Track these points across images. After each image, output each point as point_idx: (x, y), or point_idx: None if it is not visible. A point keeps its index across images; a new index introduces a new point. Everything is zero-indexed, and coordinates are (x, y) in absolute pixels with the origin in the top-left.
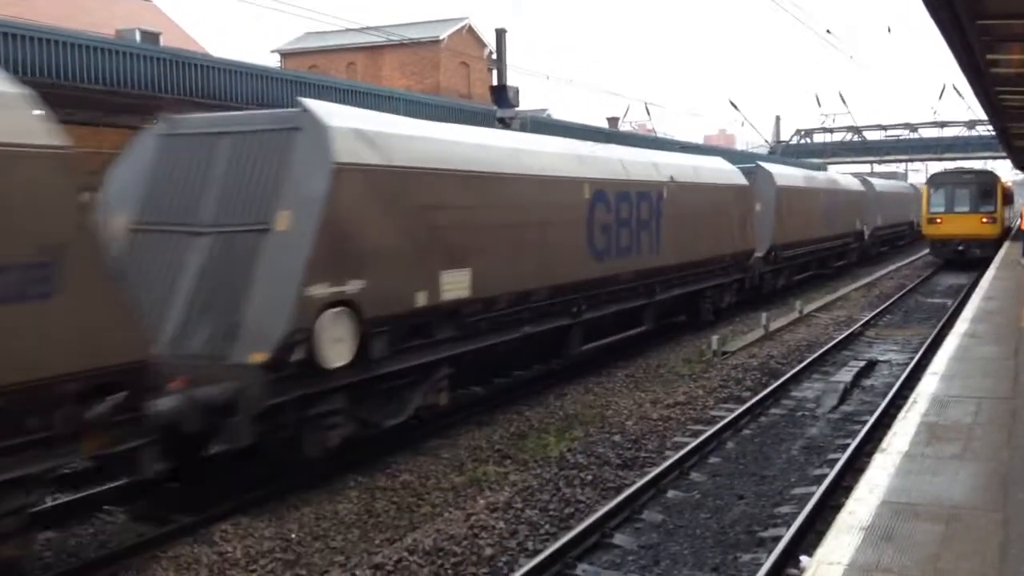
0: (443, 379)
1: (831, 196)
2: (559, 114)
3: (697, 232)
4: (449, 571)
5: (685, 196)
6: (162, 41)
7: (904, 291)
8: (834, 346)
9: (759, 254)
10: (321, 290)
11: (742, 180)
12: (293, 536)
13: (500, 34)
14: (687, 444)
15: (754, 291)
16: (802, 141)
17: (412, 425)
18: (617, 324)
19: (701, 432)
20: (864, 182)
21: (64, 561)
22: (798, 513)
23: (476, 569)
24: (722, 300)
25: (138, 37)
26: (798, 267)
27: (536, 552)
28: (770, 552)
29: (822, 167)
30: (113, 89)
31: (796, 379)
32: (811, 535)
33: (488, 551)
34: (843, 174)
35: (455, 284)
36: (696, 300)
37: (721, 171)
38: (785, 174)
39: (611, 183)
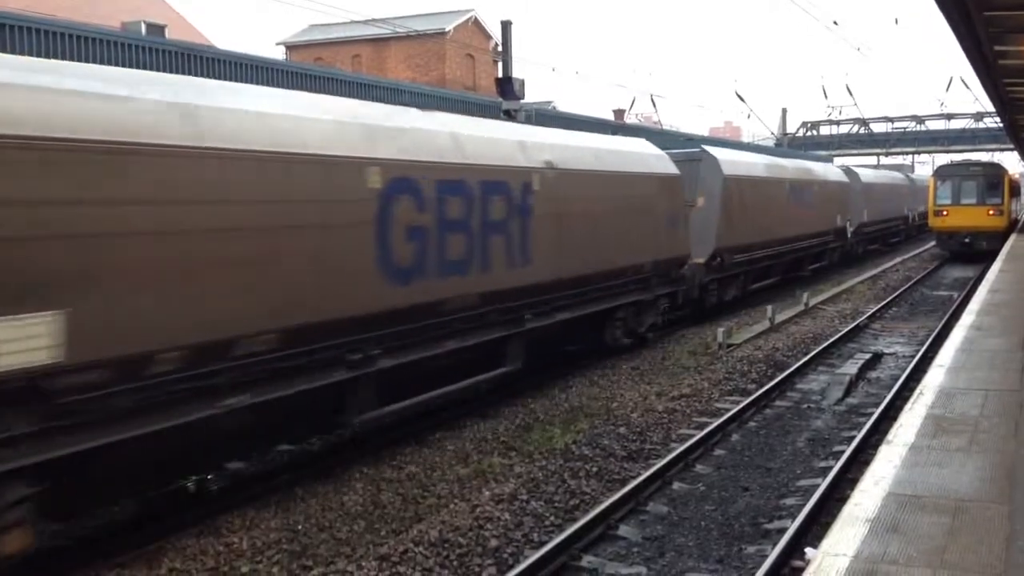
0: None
1: (802, 188)
2: (565, 106)
3: (596, 235)
4: (454, 562)
5: (573, 188)
6: (168, 34)
7: (910, 283)
8: (840, 338)
9: (699, 260)
10: None
11: (669, 168)
12: (299, 527)
13: (506, 26)
14: (692, 436)
15: (695, 306)
16: (808, 133)
17: (418, 417)
18: (459, 367)
19: (706, 424)
20: (848, 172)
21: (71, 551)
22: (803, 505)
23: (481, 560)
24: (642, 322)
25: (144, 30)
26: (757, 273)
27: (541, 544)
28: (775, 544)
29: (828, 159)
30: None
31: (802, 371)
32: (816, 527)
33: (493, 542)
34: (824, 163)
35: (16, 340)
36: (602, 324)
37: (638, 156)
38: (737, 161)
39: (426, 168)
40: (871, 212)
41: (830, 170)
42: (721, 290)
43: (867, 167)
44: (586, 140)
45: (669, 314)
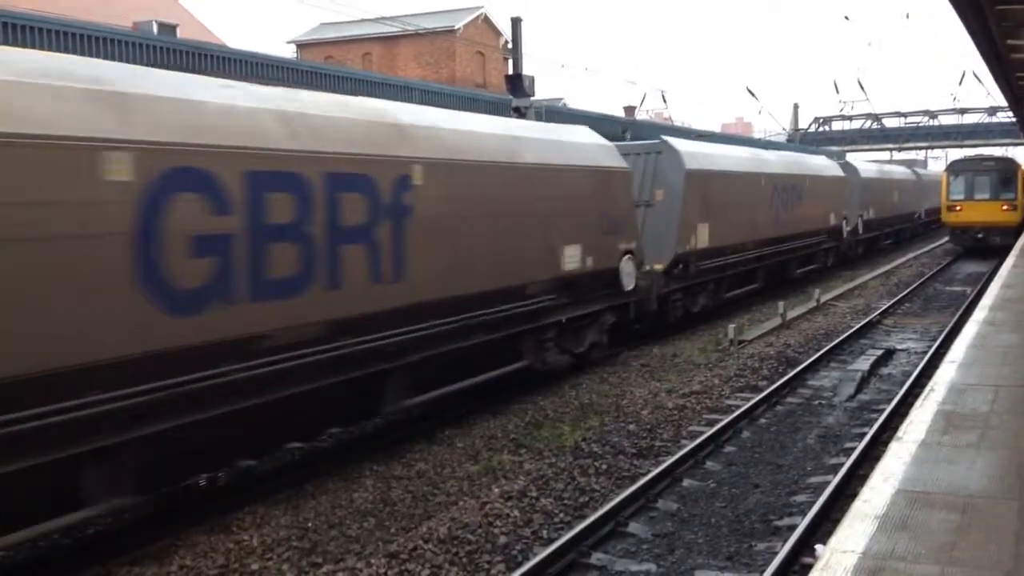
0: None
1: (789, 184)
2: (576, 103)
3: (508, 242)
4: (464, 559)
5: (476, 184)
6: (179, 33)
7: (923, 279)
8: (851, 335)
9: (657, 267)
10: None
11: (614, 160)
12: (309, 524)
13: (515, 23)
14: (702, 433)
15: (655, 320)
16: (820, 129)
17: (427, 415)
18: (297, 419)
19: (717, 421)
20: (845, 166)
21: (82, 548)
22: (814, 502)
23: (491, 557)
24: (580, 341)
25: (155, 29)
26: (732, 280)
27: (551, 540)
28: (785, 541)
29: (840, 155)
30: None
31: (813, 368)
32: (827, 524)
33: (503, 539)
34: (818, 157)
35: None
36: (526, 345)
37: (571, 146)
38: (704, 153)
39: (229, 156)
40: (874, 209)
41: (824, 164)
42: (687, 300)
43: (880, 162)
44: (495, 125)
45: (625, 329)
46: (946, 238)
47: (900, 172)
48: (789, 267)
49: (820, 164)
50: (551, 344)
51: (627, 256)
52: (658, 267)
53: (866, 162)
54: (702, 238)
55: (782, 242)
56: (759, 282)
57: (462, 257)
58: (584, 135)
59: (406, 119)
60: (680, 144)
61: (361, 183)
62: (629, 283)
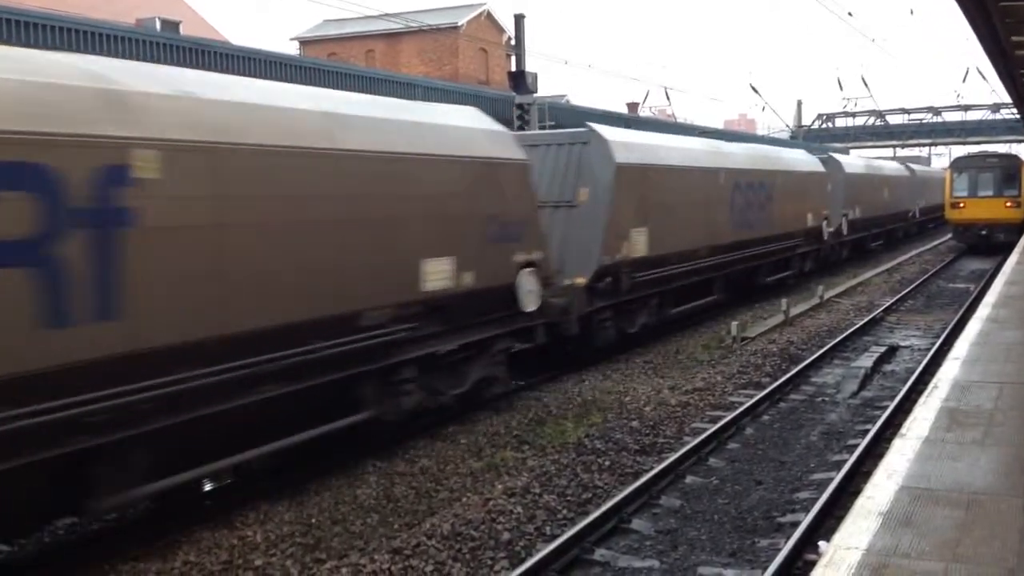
0: None
1: (754, 180)
2: (578, 100)
3: (328, 256)
4: (467, 555)
5: (256, 179)
6: (182, 30)
7: (926, 276)
8: (855, 332)
9: (578, 281)
10: None
11: (505, 149)
12: (313, 520)
13: (518, 20)
14: (705, 430)
15: (576, 345)
16: (824, 126)
17: (431, 411)
18: None
19: (720, 418)
20: (828, 161)
21: (86, 545)
22: (817, 499)
23: (494, 553)
24: (461, 379)
25: (158, 26)
26: (683, 292)
27: (554, 537)
28: (788, 537)
29: (844, 152)
30: None
31: (816, 365)
32: (830, 520)
33: (506, 536)
34: (794, 150)
35: None
36: (357, 396)
37: (434, 130)
38: (639, 144)
39: None
40: (861, 208)
41: (800, 158)
42: (620, 320)
43: (870, 157)
44: (302, 96)
45: (535, 359)
46: (948, 235)
47: (891, 167)
48: (758, 275)
49: (795, 158)
50: (411, 386)
51: (528, 270)
52: (579, 281)
53: (852, 156)
54: (638, 246)
55: (747, 247)
56: (717, 293)
57: (238, 281)
58: (464, 117)
59: (128, 82)
60: (611, 133)
61: (21, 176)
62: (531, 302)
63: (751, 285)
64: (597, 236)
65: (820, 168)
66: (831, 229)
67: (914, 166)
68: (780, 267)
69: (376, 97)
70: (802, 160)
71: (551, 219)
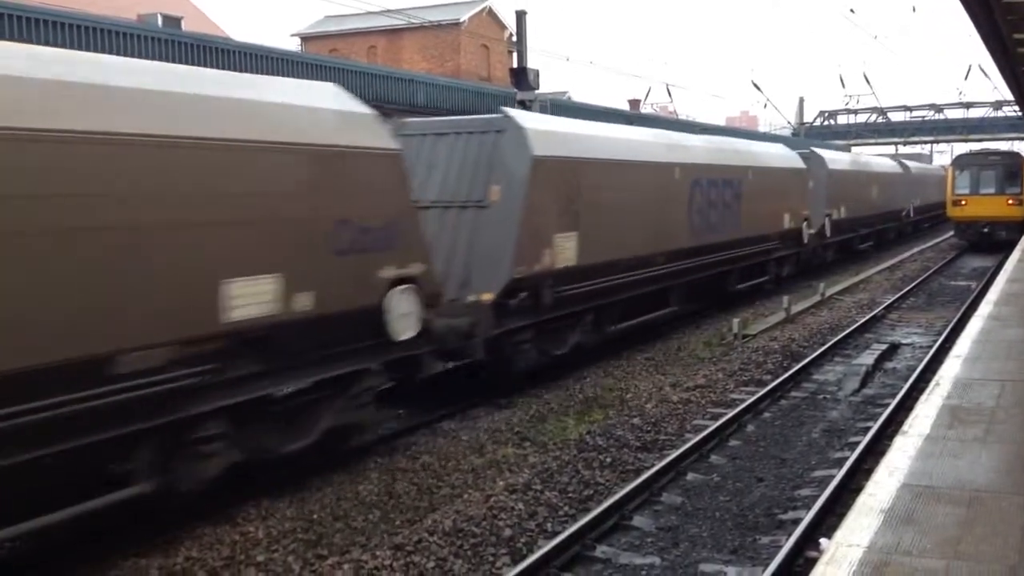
0: None
1: (717, 177)
2: (580, 96)
3: (32, 282)
4: (468, 552)
5: None
6: (184, 26)
7: (928, 274)
8: (856, 329)
9: (484, 297)
10: None
11: (365, 136)
12: (314, 517)
13: (520, 16)
14: (707, 427)
15: (489, 374)
16: (826, 123)
17: (433, 408)
18: None
19: (721, 415)
20: (809, 157)
21: (88, 540)
22: (818, 496)
23: (495, 550)
24: (305, 429)
25: (160, 22)
26: (627, 306)
27: (555, 533)
28: (789, 535)
29: (846, 149)
30: None
31: (817, 362)
32: (831, 518)
33: (507, 532)
34: (769, 143)
35: None
36: (157, 460)
37: (245, 107)
38: (564, 133)
39: None
40: (847, 207)
41: (776, 153)
42: (543, 341)
43: (885, 156)
44: (35, 60)
45: (424, 396)
46: (948, 233)
47: (881, 164)
48: (726, 282)
49: (771, 153)
50: (218, 445)
51: (403, 287)
52: (486, 298)
53: (837, 152)
54: (565, 254)
55: (711, 252)
56: (675, 304)
57: None
58: (311, 96)
59: None
60: (531, 120)
61: None
62: (407, 328)
63: (720, 293)
64: (509, 243)
65: (800, 164)
66: (812, 231)
67: (909, 162)
68: (754, 272)
69: (171, 66)
70: (779, 155)
71: (457, 222)
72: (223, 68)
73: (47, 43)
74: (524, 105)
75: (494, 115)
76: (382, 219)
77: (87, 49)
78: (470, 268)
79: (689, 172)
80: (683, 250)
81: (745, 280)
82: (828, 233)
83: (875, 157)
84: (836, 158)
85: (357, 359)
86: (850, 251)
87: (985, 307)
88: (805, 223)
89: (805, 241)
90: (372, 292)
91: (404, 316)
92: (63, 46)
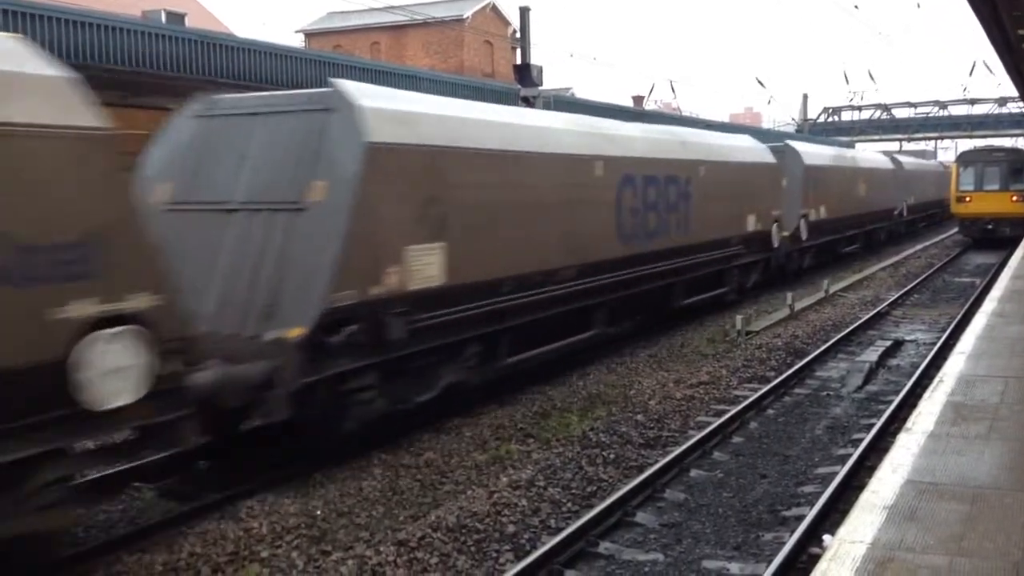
0: None
1: (658, 172)
2: (584, 93)
3: None
4: (472, 548)
5: None
6: (187, 22)
7: (932, 270)
8: (860, 326)
9: (289, 334)
10: None
11: (42, 108)
12: (318, 513)
13: (524, 12)
14: (710, 423)
15: (303, 441)
16: (830, 119)
17: (435, 404)
18: None
19: (724, 412)
20: (782, 151)
21: (93, 537)
22: (821, 492)
23: (499, 546)
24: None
25: (163, 18)
26: (531, 331)
27: (558, 530)
28: (793, 531)
29: (850, 145)
30: (139, 70)
31: (821, 359)
32: (835, 515)
33: (511, 528)
34: (733, 135)
35: None
36: None
37: None
38: (424, 115)
39: None
40: (827, 207)
41: (740, 145)
42: (392, 389)
43: (880, 152)
44: None
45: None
46: (953, 230)
47: (869, 159)
48: (671, 297)
49: (731, 146)
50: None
51: (113, 330)
52: (292, 334)
53: (816, 146)
54: (426, 271)
55: (647, 263)
56: (597, 327)
57: None
58: None
59: None
60: (369, 96)
61: None
62: (122, 390)
63: (663, 309)
64: (325, 260)
65: (769, 159)
66: (785, 233)
67: (902, 158)
68: (710, 283)
69: None
70: (742, 148)
71: (265, 232)
72: (224, 65)
73: (48, 40)
74: (528, 102)
75: (322, 89)
76: (67, 233)
77: (85, 45)
78: (278, 294)
79: (617, 167)
80: (608, 261)
81: (696, 293)
82: (804, 236)
83: (863, 152)
84: (814, 152)
85: (27, 442)
86: (834, 254)
87: (989, 304)
88: (776, 225)
89: (776, 245)
90: (46, 340)
91: (111, 373)
92: (63, 43)
